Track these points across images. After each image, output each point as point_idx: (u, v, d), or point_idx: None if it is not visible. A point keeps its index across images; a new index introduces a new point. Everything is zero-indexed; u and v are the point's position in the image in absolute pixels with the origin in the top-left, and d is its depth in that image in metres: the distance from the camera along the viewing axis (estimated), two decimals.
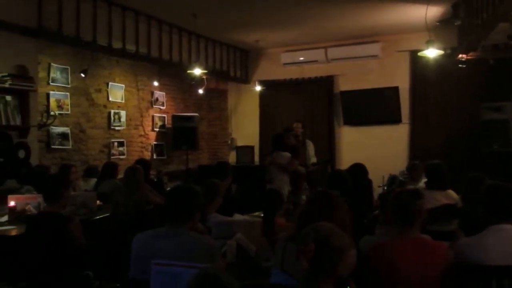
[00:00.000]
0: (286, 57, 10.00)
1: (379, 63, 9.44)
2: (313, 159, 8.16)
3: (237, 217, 4.44)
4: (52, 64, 7.41)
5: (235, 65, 10.35)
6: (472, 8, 6.35)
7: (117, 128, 8.67)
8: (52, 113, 7.26)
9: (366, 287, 2.63)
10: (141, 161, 6.58)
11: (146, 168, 6.05)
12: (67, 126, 7.69)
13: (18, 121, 6.08)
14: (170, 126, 9.81)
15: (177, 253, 2.71)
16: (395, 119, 9.30)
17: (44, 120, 6.99)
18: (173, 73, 9.52)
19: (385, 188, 6.76)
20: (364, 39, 9.25)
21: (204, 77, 8.87)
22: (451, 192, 4.71)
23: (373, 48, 9.31)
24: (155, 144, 9.61)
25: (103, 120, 8.44)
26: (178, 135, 9.56)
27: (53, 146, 7.42)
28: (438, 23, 7.50)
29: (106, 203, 5.63)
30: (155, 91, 9.66)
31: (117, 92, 8.71)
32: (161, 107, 9.84)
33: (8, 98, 5.99)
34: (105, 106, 8.47)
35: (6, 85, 5.80)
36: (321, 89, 10.00)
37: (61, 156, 7.58)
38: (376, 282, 2.69)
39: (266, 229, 3.75)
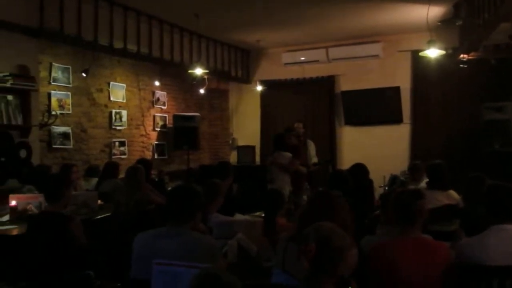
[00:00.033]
0: (287, 57, 10.00)
1: (380, 63, 9.43)
2: (314, 159, 8.16)
3: (238, 217, 4.44)
4: (53, 63, 7.42)
5: (236, 65, 10.35)
6: (474, 8, 6.35)
7: (118, 127, 8.68)
8: (53, 112, 7.27)
9: (367, 287, 2.63)
10: (142, 161, 6.58)
11: (147, 168, 6.05)
12: (68, 125, 7.69)
13: (19, 121, 6.09)
14: (171, 126, 9.81)
15: (178, 253, 2.71)
16: (396, 119, 9.30)
17: (46, 119, 7.01)
18: (174, 73, 9.52)
19: (386, 188, 6.76)
20: (365, 39, 9.25)
21: (205, 77, 8.88)
22: (452, 192, 4.71)
23: (374, 48, 9.31)
24: (156, 144, 9.62)
25: (104, 120, 8.45)
26: (179, 135, 9.56)
27: (54, 146, 7.43)
28: (439, 23, 7.49)
29: (107, 202, 5.64)
30: (157, 91, 9.67)
31: (118, 92, 8.72)
32: (162, 107, 9.84)
33: (10, 97, 6.00)
34: (106, 106, 8.48)
35: (8, 84, 5.81)
36: (322, 89, 10.00)
37: (62, 155, 7.59)
38: (377, 282, 2.69)
39: (267, 229, 3.75)
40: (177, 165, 9.97)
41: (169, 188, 5.87)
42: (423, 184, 5.49)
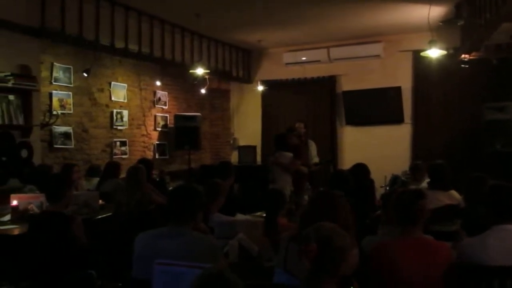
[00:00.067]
0: (288, 57, 10.01)
1: (381, 63, 9.43)
2: (315, 159, 8.16)
3: (239, 217, 4.44)
4: (54, 63, 7.42)
5: (237, 65, 10.35)
6: (475, 8, 6.34)
7: (119, 127, 8.68)
8: (54, 112, 7.27)
9: (368, 287, 2.63)
10: (143, 161, 6.57)
11: (148, 168, 6.05)
12: (69, 125, 7.69)
13: (20, 121, 6.09)
14: (172, 125, 9.82)
15: (179, 252, 2.71)
16: (397, 119, 9.30)
17: (47, 119, 7.01)
18: (175, 73, 9.53)
19: (387, 188, 6.74)
20: (366, 39, 9.25)
21: (207, 77, 8.88)
22: (453, 193, 4.70)
23: (375, 48, 9.31)
24: (157, 144, 9.62)
25: (105, 120, 8.46)
26: (180, 135, 9.56)
27: (55, 146, 7.43)
28: (441, 23, 7.49)
29: (109, 202, 5.63)
30: (158, 91, 9.67)
31: (119, 92, 8.72)
32: (164, 107, 9.84)
33: (11, 97, 6.00)
34: (107, 106, 8.48)
35: (9, 84, 5.81)
36: (323, 89, 10.00)
37: (63, 155, 7.59)
38: (378, 282, 2.69)
39: (268, 229, 3.75)
40: (178, 165, 9.97)
41: (170, 188, 5.87)
42: (424, 184, 5.49)
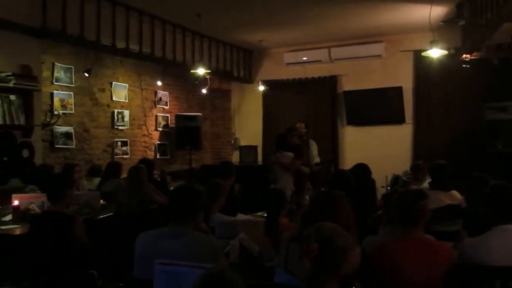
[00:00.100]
0: (289, 57, 10.00)
1: (382, 63, 9.43)
2: (317, 159, 8.15)
3: (240, 217, 4.44)
4: (56, 63, 7.42)
5: (238, 65, 10.35)
6: (476, 8, 6.33)
7: (120, 127, 8.68)
8: (56, 112, 7.27)
9: (369, 287, 2.63)
10: (144, 161, 6.58)
11: (149, 168, 6.05)
12: (70, 125, 7.70)
13: (22, 121, 6.09)
14: (173, 125, 9.81)
15: (180, 252, 2.71)
16: (399, 119, 9.29)
17: (48, 119, 7.01)
18: (176, 73, 9.53)
19: (389, 188, 6.74)
20: (367, 39, 9.24)
21: (208, 77, 8.87)
22: (455, 193, 4.70)
23: (376, 48, 9.30)
24: (158, 144, 9.63)
25: (106, 120, 8.46)
26: (181, 135, 9.56)
27: (56, 146, 7.43)
28: (442, 23, 7.49)
29: (110, 202, 5.63)
30: (159, 91, 9.67)
31: (120, 92, 8.72)
32: (165, 107, 9.85)
33: (12, 97, 6.00)
34: (108, 106, 8.48)
35: (10, 84, 5.81)
36: (324, 89, 9.99)
37: (64, 155, 7.59)
38: (379, 282, 2.69)
39: (269, 229, 3.75)
40: (179, 165, 9.97)
41: (171, 188, 5.88)
42: (425, 184, 5.49)
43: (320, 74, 9.95)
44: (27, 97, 6.15)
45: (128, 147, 8.85)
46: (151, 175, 6.35)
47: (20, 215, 4.84)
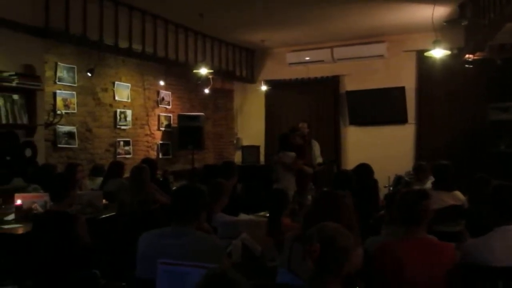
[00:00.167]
0: (291, 57, 10.00)
1: (385, 63, 9.42)
2: (319, 159, 8.15)
3: (243, 217, 4.44)
4: (59, 63, 7.43)
5: (241, 65, 10.36)
6: (479, 8, 6.32)
7: (123, 127, 8.70)
8: (58, 112, 7.29)
9: (372, 287, 2.63)
10: (147, 161, 6.58)
11: (152, 168, 6.05)
12: (73, 125, 7.71)
13: (25, 120, 6.10)
14: (176, 125, 9.82)
15: (182, 252, 2.71)
16: (401, 119, 9.28)
17: (51, 119, 7.02)
18: (179, 73, 9.54)
19: (391, 188, 6.74)
20: (370, 39, 9.23)
21: (210, 76, 8.88)
22: (457, 193, 4.69)
23: (379, 48, 9.29)
24: (161, 144, 9.63)
25: (109, 119, 8.47)
26: (184, 135, 9.57)
27: (59, 145, 7.44)
28: (445, 23, 7.47)
29: (112, 202, 5.64)
30: (161, 91, 9.68)
31: (123, 92, 8.73)
32: (167, 107, 9.85)
33: (15, 97, 6.02)
34: (111, 105, 8.50)
35: (13, 84, 5.83)
36: (327, 89, 9.98)
37: (67, 155, 7.61)
38: (382, 283, 2.69)
39: (271, 229, 3.75)
40: (181, 165, 9.98)
41: (174, 188, 5.89)
42: (428, 184, 5.48)
43: (322, 74, 9.94)
44: (30, 97, 6.16)
45: (131, 146, 8.86)
46: (153, 175, 6.35)
47: (23, 214, 4.85)
